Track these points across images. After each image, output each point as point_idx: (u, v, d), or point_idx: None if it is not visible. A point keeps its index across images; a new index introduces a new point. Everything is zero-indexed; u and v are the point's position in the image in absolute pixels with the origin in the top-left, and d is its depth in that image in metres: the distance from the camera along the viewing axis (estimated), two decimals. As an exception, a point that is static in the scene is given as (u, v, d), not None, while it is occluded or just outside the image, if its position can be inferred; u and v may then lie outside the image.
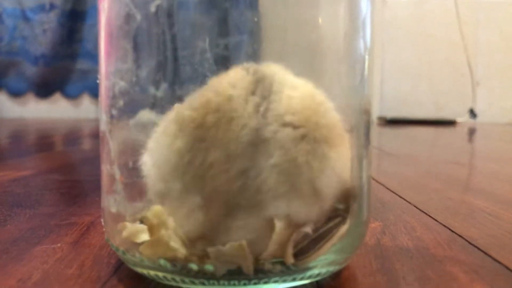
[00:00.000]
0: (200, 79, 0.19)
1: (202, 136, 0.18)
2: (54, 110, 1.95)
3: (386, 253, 0.26)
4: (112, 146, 0.21)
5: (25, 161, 0.67)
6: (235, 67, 0.19)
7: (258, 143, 0.17)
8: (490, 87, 1.92)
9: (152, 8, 0.19)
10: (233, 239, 0.18)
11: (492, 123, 1.88)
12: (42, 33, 1.93)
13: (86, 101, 1.96)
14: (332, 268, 0.22)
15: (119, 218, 0.22)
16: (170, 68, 0.20)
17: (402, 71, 1.94)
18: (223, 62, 0.19)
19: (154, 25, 0.20)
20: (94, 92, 1.93)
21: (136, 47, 0.20)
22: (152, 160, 0.19)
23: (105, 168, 0.22)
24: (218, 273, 0.19)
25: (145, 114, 0.20)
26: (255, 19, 0.20)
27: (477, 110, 1.90)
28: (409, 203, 0.39)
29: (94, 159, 0.70)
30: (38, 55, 1.93)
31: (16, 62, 1.93)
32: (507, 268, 0.24)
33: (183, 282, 0.21)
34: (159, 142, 0.19)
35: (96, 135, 1.16)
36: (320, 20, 0.22)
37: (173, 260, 0.20)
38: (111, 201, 0.22)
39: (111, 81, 0.21)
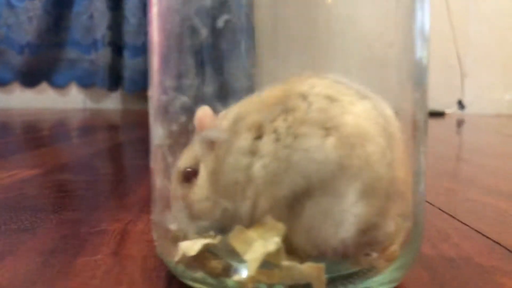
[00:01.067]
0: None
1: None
2: (41, 100, 1.92)
3: (431, 264, 0.26)
4: (170, 161, 0.21)
5: (26, 158, 0.66)
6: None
7: None
8: (479, 79, 1.94)
9: (220, 23, 0.19)
10: None
11: (479, 114, 1.90)
12: (28, 20, 1.88)
13: (73, 91, 1.93)
14: (391, 286, 0.22)
15: (179, 235, 0.21)
16: (235, 85, 0.19)
17: (392, 62, 1.95)
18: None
19: (221, 40, 0.19)
20: (81, 82, 1.89)
21: (200, 63, 0.19)
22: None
23: (159, 183, 0.22)
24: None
25: (211, 131, 0.19)
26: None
27: (465, 102, 1.92)
28: (433, 205, 0.39)
29: (97, 157, 0.69)
30: (24, 43, 1.88)
31: (1, 51, 1.88)
32: (556, 279, 0.24)
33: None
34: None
35: (89, 128, 1.14)
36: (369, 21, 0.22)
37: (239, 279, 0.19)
38: (169, 218, 0.21)
39: (170, 95, 0.20)
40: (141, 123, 0.92)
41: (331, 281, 0.20)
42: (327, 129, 0.18)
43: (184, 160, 0.21)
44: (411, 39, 0.22)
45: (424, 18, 0.23)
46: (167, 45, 0.20)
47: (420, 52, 0.22)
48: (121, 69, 1.82)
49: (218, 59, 0.20)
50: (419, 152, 0.22)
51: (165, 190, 0.21)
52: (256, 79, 0.20)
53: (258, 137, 0.19)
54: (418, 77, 0.22)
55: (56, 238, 0.30)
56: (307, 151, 0.18)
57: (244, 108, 0.19)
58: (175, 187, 0.21)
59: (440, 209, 0.38)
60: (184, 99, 0.20)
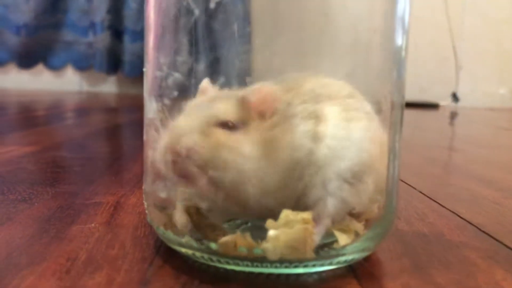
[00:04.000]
0: (255, 74, 0.20)
1: None
2: (37, 81, 1.92)
3: (406, 238, 0.28)
4: (163, 134, 0.22)
5: (24, 136, 0.67)
6: None
7: None
8: (473, 71, 1.96)
9: (212, 5, 0.20)
10: None
11: (473, 107, 1.92)
12: (25, 1, 1.88)
13: (69, 73, 1.93)
14: (365, 254, 0.24)
15: (166, 202, 0.23)
16: (226, 62, 0.21)
17: (388, 53, 1.96)
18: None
19: (212, 20, 0.20)
20: (78, 64, 1.90)
21: (193, 41, 0.21)
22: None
23: (151, 154, 0.23)
24: (273, 257, 0.20)
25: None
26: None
27: (459, 94, 1.94)
28: (415, 189, 0.41)
29: (94, 136, 0.70)
30: (21, 24, 1.88)
31: (-3, 31, 1.88)
32: (519, 254, 0.26)
33: (228, 263, 0.22)
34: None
35: (85, 110, 1.15)
36: (359, 8, 0.23)
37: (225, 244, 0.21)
38: (160, 187, 0.23)
39: (164, 71, 0.22)
40: (139, 107, 0.93)
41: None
42: (369, 113, 0.23)
43: (225, 110, 0.21)
44: (392, 27, 0.24)
45: (405, 8, 0.24)
46: (162, 23, 0.22)
47: (399, 40, 0.24)
48: (120, 54, 1.83)
49: (211, 38, 0.21)
50: (395, 134, 0.23)
51: (156, 162, 0.23)
52: (249, 57, 0.21)
53: (318, 122, 0.22)
54: (397, 63, 0.24)
55: (52, 208, 0.31)
56: (362, 129, 0.22)
57: (301, 93, 0.22)
58: (205, 128, 0.21)
59: (421, 192, 0.39)
60: (177, 75, 0.21)
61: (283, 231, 0.20)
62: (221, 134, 0.21)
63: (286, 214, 0.20)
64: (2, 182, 0.37)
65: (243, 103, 0.21)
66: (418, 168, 0.54)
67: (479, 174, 0.50)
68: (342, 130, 0.21)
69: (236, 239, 0.21)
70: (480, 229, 0.30)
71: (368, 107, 0.23)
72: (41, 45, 1.90)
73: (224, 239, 0.21)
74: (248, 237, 0.21)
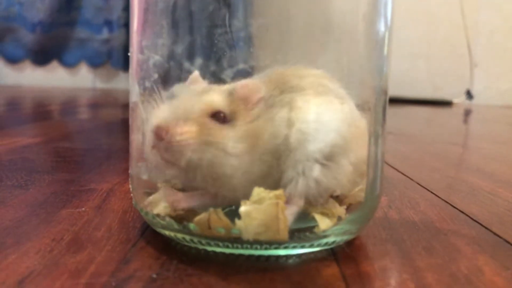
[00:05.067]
0: (233, 56, 0.20)
1: None
2: (51, 78, 1.94)
3: (393, 225, 0.28)
4: (144, 116, 0.22)
5: (31, 128, 0.68)
6: None
7: None
8: (488, 69, 1.93)
9: (190, -13, 0.20)
10: None
11: (488, 105, 1.89)
12: (40, -1, 1.91)
13: (83, 70, 1.95)
14: (346, 237, 0.24)
15: (149, 184, 0.23)
16: (205, 44, 0.21)
17: (401, 49, 1.94)
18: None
19: (191, 2, 0.21)
20: (91, 61, 1.92)
21: (172, 23, 0.21)
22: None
23: (135, 137, 0.24)
24: (247, 235, 0.20)
25: (179, 88, 0.21)
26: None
27: (473, 92, 1.91)
28: (412, 180, 0.40)
29: (99, 129, 0.71)
30: (36, 21, 1.91)
31: (13, 28, 1.91)
32: (507, 242, 0.25)
33: (208, 245, 0.22)
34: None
35: (95, 105, 1.16)
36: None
37: (201, 224, 0.21)
38: (142, 169, 0.23)
39: (146, 54, 0.22)
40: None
41: (291, 231, 0.22)
42: (342, 98, 0.23)
43: (218, 100, 0.22)
44: (375, 12, 0.24)
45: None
46: (144, 6, 0.22)
47: (382, 27, 0.24)
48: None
49: (189, 21, 0.21)
50: (376, 118, 0.23)
51: (139, 144, 0.23)
52: (228, 41, 0.22)
53: (291, 109, 0.22)
54: (379, 51, 0.24)
55: (47, 193, 0.32)
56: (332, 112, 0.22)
57: (279, 84, 0.23)
58: (199, 117, 0.22)
59: (418, 183, 0.39)
60: (157, 57, 0.21)
61: (254, 207, 0.20)
62: (213, 127, 0.22)
63: (258, 191, 0.20)
64: (1, 170, 0.38)
65: (232, 95, 0.22)
66: (419, 161, 0.53)
67: (481, 168, 0.49)
68: (312, 114, 0.22)
69: (209, 216, 0.21)
70: (471, 218, 0.30)
71: (342, 92, 0.23)
72: (56, 42, 1.92)
73: (198, 217, 0.21)
74: (220, 213, 0.21)
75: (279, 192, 0.20)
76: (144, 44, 0.22)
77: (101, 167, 0.41)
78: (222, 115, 0.22)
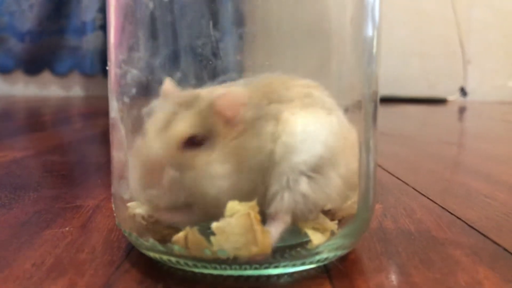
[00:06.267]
0: (214, 69, 0.19)
1: None
2: (43, 88, 1.93)
3: (389, 236, 0.27)
4: (124, 133, 0.21)
5: (20, 141, 0.67)
6: None
7: None
8: (481, 65, 1.93)
9: (166, -2, 0.19)
10: None
11: (482, 101, 1.89)
12: (29, 8, 1.89)
13: (75, 78, 1.94)
14: (340, 252, 0.23)
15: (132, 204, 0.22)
16: (183, 57, 0.20)
17: (394, 48, 1.94)
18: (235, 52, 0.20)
19: (167, 13, 0.20)
20: (83, 70, 1.91)
21: (149, 36, 0.20)
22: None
23: (116, 155, 0.23)
24: (226, 253, 0.19)
25: (158, 103, 0.20)
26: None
27: (468, 89, 1.91)
28: (408, 184, 0.39)
29: (90, 140, 0.70)
30: (25, 31, 1.89)
31: (3, 38, 1.90)
32: (506, 250, 0.25)
33: (196, 266, 0.21)
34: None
35: (87, 115, 1.15)
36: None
37: (187, 246, 0.20)
38: (124, 188, 0.22)
39: (123, 69, 0.21)
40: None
41: (280, 249, 0.21)
42: (329, 109, 0.22)
43: (187, 126, 0.20)
44: (363, 17, 0.23)
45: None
46: (120, 19, 0.21)
47: (370, 31, 0.23)
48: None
49: (167, 32, 0.20)
50: (367, 128, 0.22)
51: (120, 162, 0.22)
52: (208, 50, 0.21)
53: (276, 123, 0.21)
54: (368, 56, 0.23)
55: (30, 212, 0.31)
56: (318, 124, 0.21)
57: (267, 93, 0.22)
58: (171, 152, 0.20)
59: (414, 188, 0.38)
60: (134, 72, 0.20)
61: (227, 221, 0.19)
62: (189, 157, 0.20)
63: (232, 205, 0.19)
64: (-15, 188, 0.37)
65: (207, 110, 0.20)
66: (415, 164, 0.52)
67: (477, 169, 0.48)
68: (298, 126, 0.21)
69: (186, 234, 0.20)
70: (468, 225, 0.29)
71: (329, 103, 0.22)
72: (46, 51, 1.91)
73: (177, 236, 0.20)
74: (195, 232, 0.20)
75: (252, 203, 0.19)
76: (121, 58, 0.21)
77: (89, 180, 0.40)
78: (196, 139, 0.20)
